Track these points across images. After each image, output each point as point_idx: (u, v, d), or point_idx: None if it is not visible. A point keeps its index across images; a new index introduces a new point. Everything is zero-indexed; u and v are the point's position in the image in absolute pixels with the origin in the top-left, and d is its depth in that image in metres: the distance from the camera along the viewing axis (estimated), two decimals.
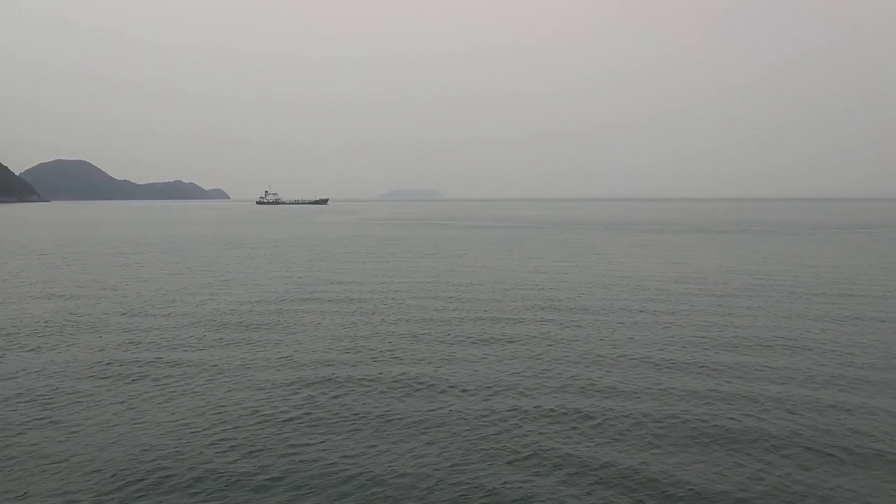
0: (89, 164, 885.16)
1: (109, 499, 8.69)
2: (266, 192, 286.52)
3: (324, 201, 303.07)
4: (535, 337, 17.80)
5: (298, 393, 12.96)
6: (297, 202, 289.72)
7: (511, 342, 17.21)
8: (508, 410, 11.88)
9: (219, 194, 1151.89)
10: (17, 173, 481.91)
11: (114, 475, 9.31)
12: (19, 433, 10.89)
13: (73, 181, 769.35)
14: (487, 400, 12.49)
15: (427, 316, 20.88)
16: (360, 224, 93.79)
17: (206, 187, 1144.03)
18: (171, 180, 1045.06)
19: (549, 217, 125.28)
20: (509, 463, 9.71)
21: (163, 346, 17.04)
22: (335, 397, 12.70)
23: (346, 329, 18.89)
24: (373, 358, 15.62)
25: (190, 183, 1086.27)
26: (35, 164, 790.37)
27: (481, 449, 10.19)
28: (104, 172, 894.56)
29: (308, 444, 10.38)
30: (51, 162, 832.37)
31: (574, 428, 11.06)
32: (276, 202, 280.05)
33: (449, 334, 18.19)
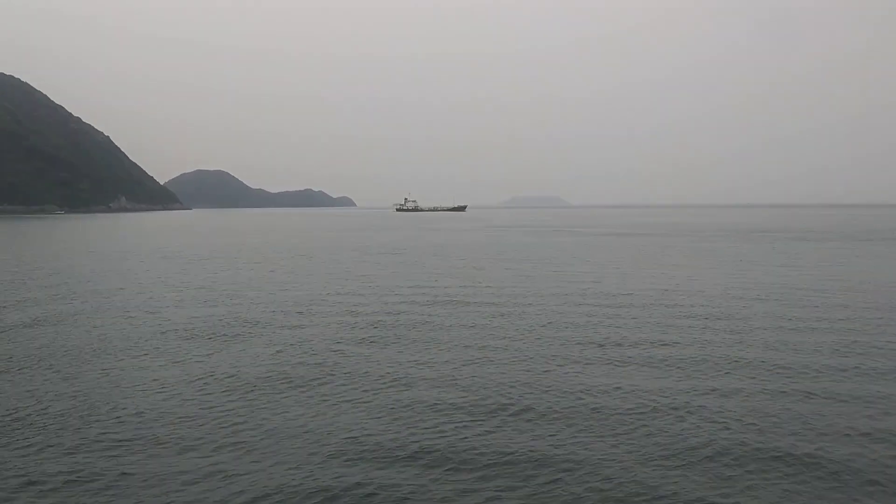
0: (227, 173, 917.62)
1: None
2: (405, 199, 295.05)
3: (462, 208, 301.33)
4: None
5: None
6: (434, 209, 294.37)
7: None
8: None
9: (346, 202, 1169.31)
10: (161, 183, 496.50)
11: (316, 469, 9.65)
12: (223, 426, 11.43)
13: (212, 190, 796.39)
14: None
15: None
16: (488, 230, 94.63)
17: (334, 195, 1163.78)
18: (302, 188, 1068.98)
19: (700, 224, 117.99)
20: None
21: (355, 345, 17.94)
22: (508, 395, 13.19)
23: (524, 333, 19.21)
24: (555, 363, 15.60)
25: (319, 191, 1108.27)
26: (178, 174, 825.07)
27: None
28: (240, 181, 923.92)
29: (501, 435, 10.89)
30: (192, 172, 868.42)
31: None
32: (416, 209, 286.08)
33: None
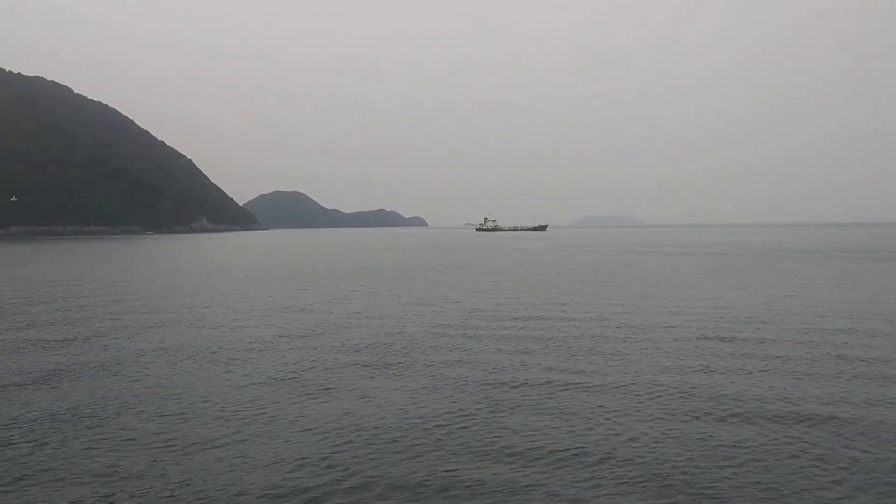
0: (303, 194, 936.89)
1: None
2: (485, 219, 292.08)
3: (542, 228, 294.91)
4: None
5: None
6: (515, 229, 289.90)
7: None
8: None
9: (418, 222, 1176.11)
10: (241, 204, 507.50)
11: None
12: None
13: (289, 210, 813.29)
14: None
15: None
16: (561, 250, 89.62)
17: (406, 215, 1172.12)
18: (375, 209, 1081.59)
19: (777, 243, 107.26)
20: None
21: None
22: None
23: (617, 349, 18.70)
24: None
25: (392, 211, 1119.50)
26: (256, 196, 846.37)
27: None
28: (316, 202, 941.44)
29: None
30: (270, 193, 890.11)
31: None
32: (495, 229, 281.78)
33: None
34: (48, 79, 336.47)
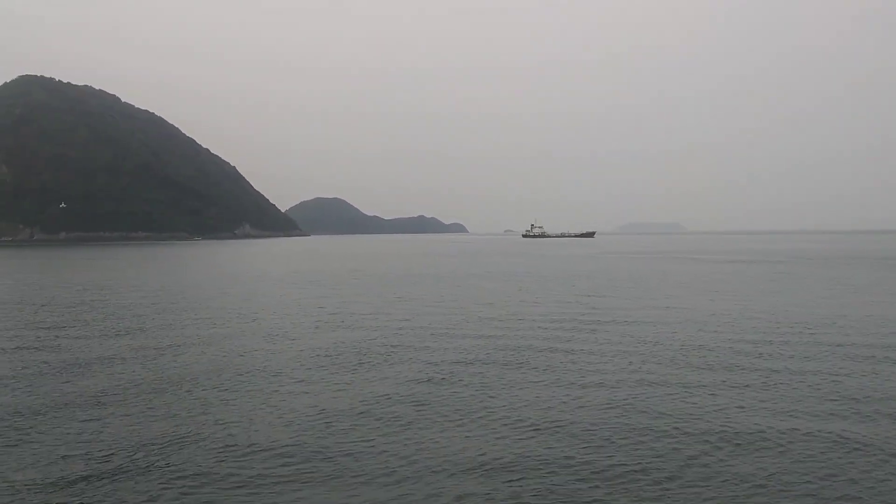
0: (344, 201, 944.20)
1: None
2: (532, 225, 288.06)
3: (590, 234, 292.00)
4: None
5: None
6: (562, 235, 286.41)
7: None
8: None
9: (458, 228, 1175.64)
10: (283, 210, 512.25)
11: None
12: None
13: (330, 217, 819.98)
14: None
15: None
16: (604, 256, 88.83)
17: (446, 221, 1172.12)
18: (415, 215, 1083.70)
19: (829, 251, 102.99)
20: None
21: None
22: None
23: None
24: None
25: (431, 217, 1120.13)
26: (298, 202, 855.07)
27: None
28: (356, 209, 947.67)
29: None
30: (311, 200, 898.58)
31: None
32: (542, 235, 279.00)
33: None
34: (97, 87, 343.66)
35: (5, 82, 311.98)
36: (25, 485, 9.54)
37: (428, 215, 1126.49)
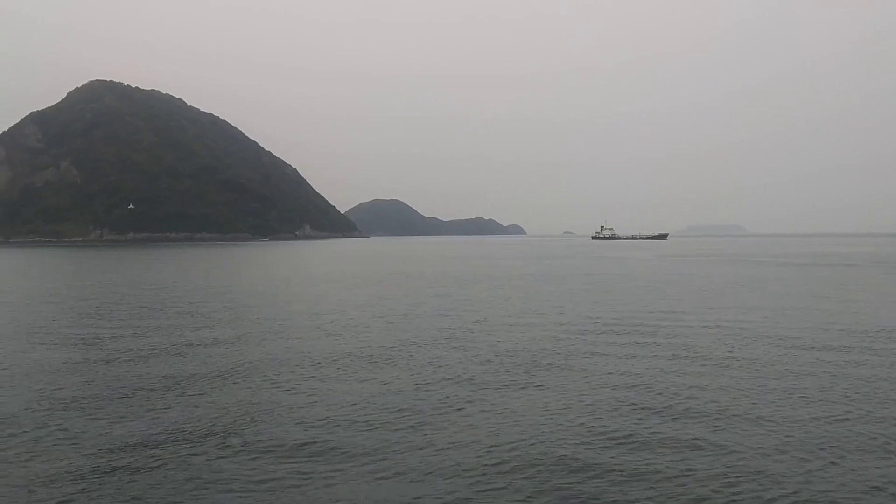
0: (402, 202, 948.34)
1: None
2: (602, 227, 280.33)
3: (663, 236, 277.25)
4: None
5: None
6: (633, 237, 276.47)
7: None
8: None
9: (516, 230, 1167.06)
10: (342, 212, 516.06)
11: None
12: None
13: (388, 218, 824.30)
14: None
15: None
16: (696, 260, 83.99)
17: (504, 223, 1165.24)
18: (473, 217, 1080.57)
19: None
20: None
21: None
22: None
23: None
24: None
25: (490, 219, 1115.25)
26: (357, 204, 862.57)
27: None
28: (414, 210, 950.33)
29: None
30: (370, 201, 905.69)
31: None
32: (613, 237, 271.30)
33: None
34: (163, 92, 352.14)
35: (77, 87, 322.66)
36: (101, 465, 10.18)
37: (486, 217, 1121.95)
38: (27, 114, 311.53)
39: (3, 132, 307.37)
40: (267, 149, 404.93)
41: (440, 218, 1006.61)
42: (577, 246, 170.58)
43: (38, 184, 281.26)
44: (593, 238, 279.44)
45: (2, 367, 17.18)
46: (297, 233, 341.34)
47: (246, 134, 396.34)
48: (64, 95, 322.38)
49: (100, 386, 15.12)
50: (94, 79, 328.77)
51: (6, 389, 14.83)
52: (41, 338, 21.97)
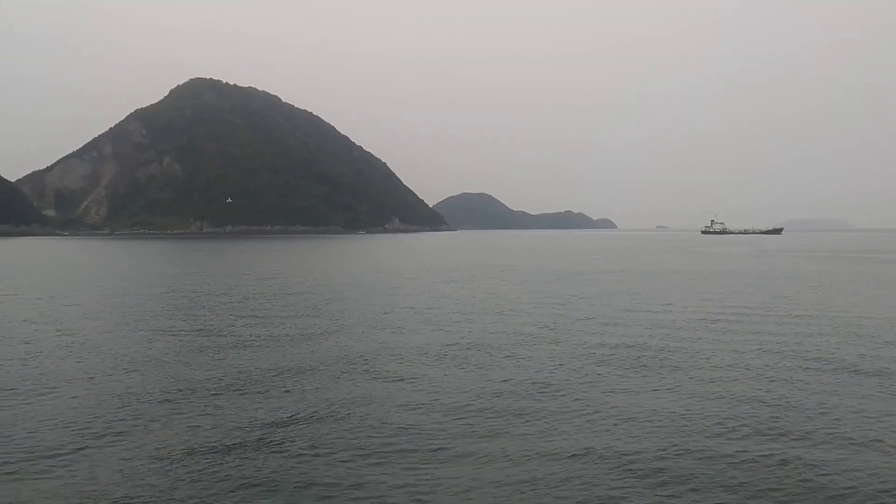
0: (490, 196, 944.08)
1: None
2: (712, 221, 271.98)
3: (778, 231, 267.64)
4: None
5: None
6: (745, 231, 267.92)
7: None
8: None
9: (606, 224, 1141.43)
10: (430, 205, 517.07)
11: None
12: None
13: (476, 212, 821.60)
14: None
15: None
16: (832, 257, 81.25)
17: (594, 217, 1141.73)
18: (562, 210, 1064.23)
19: None
20: None
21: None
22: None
23: None
24: None
25: (579, 213, 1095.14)
26: (445, 198, 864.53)
27: None
28: (502, 203, 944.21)
29: None
30: (458, 195, 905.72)
31: None
32: (723, 231, 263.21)
33: None
34: (260, 89, 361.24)
35: (178, 85, 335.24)
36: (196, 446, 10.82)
37: (575, 210, 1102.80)
38: (132, 111, 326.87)
39: (110, 129, 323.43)
40: (358, 143, 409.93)
41: (528, 212, 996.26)
42: (690, 241, 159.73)
43: (143, 178, 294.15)
44: (702, 232, 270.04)
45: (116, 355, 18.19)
46: (386, 226, 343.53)
47: (337, 129, 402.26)
48: (166, 93, 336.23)
49: (221, 373, 15.91)
50: (194, 77, 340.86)
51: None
52: (171, 324, 23.82)
